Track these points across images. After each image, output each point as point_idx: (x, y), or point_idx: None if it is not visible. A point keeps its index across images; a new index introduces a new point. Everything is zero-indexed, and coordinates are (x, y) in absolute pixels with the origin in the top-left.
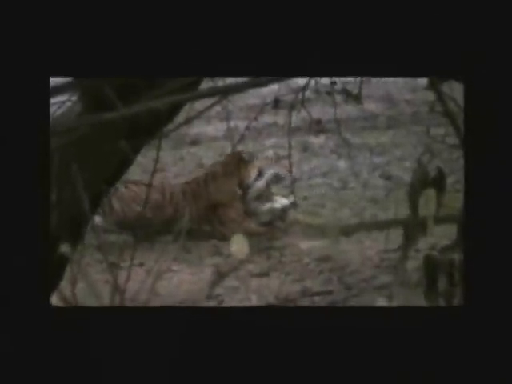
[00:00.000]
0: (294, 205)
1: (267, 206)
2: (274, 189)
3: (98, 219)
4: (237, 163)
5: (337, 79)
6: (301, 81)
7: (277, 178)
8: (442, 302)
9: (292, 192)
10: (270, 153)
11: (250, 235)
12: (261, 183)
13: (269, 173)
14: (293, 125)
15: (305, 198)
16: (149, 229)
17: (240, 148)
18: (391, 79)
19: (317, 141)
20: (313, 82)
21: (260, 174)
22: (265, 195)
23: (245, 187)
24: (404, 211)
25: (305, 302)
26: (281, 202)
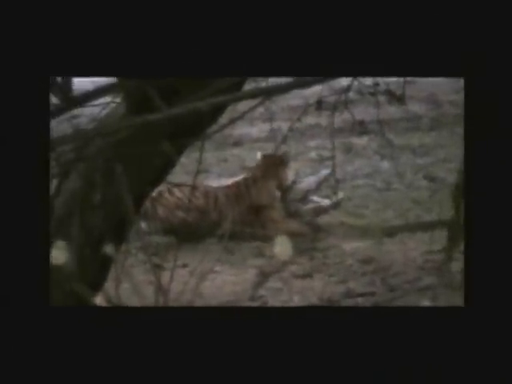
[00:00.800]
0: (343, 200)
1: (311, 205)
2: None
3: (142, 224)
4: (274, 164)
5: (380, 80)
6: (344, 81)
7: (328, 178)
8: None
9: (335, 192)
10: (313, 154)
11: (292, 236)
12: (309, 183)
13: (321, 172)
14: (336, 126)
15: (348, 199)
16: (193, 234)
17: (283, 149)
18: (434, 79)
19: (360, 142)
20: (356, 82)
21: (297, 175)
22: (308, 196)
23: (284, 188)
24: (448, 212)
25: (348, 304)
26: (325, 201)
